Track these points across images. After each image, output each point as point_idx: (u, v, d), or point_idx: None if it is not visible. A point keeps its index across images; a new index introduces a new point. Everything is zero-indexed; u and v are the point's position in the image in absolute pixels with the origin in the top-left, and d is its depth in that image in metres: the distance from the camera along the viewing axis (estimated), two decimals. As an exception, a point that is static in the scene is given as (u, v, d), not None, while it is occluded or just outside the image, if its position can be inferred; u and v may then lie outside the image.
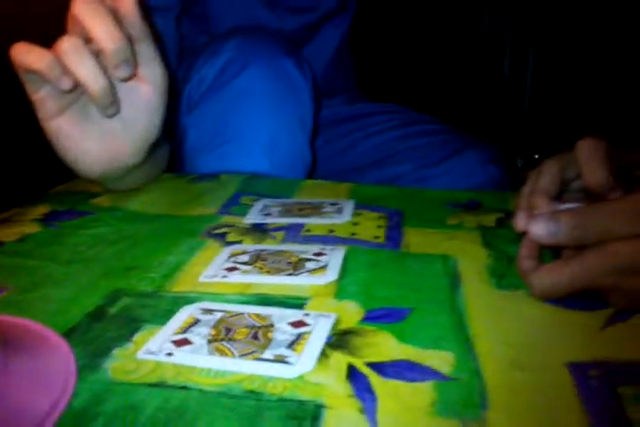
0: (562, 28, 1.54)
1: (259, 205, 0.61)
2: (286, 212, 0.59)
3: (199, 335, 0.37)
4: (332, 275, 0.45)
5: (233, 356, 0.34)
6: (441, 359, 0.34)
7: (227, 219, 0.58)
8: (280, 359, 0.34)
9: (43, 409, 0.30)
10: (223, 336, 0.37)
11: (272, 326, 0.38)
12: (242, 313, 0.39)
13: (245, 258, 0.48)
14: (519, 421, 0.30)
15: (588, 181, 0.43)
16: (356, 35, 1.10)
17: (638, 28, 1.38)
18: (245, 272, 0.45)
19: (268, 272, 0.45)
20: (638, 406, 0.30)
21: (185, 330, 0.37)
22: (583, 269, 0.36)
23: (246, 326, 0.38)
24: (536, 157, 1.33)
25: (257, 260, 0.47)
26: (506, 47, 1.58)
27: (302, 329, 0.37)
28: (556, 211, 0.39)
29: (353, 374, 0.33)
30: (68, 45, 0.46)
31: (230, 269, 0.46)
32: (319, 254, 0.48)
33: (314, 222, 0.56)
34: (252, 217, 0.58)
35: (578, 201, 0.44)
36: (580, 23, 1.51)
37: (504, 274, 0.45)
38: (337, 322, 0.38)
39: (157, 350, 0.35)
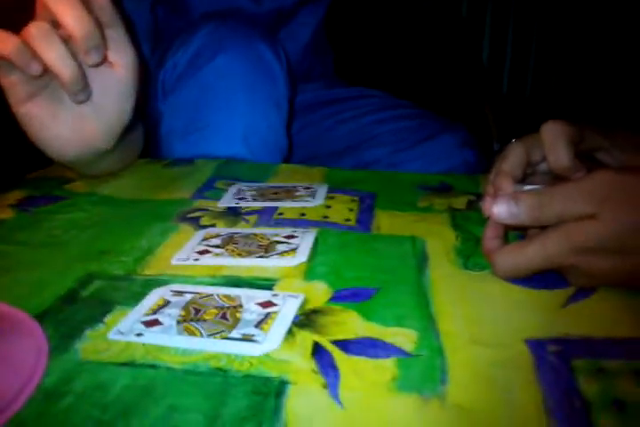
0: (540, 14, 1.54)
1: (233, 189, 0.62)
2: (260, 196, 0.59)
3: (169, 316, 0.38)
4: (301, 257, 0.45)
5: (201, 335, 0.35)
6: (404, 337, 0.35)
7: (201, 203, 0.58)
8: (247, 338, 0.35)
9: (14, 388, 0.31)
10: (192, 317, 0.37)
11: (241, 306, 0.38)
12: (211, 294, 0.40)
13: (217, 241, 0.49)
14: (477, 395, 0.31)
15: (552, 164, 0.44)
16: (332, 20, 1.10)
17: (614, 16, 1.39)
18: (217, 255, 0.46)
19: (239, 255, 0.46)
20: (590, 379, 0.31)
21: (155, 311, 0.38)
22: (543, 249, 0.38)
23: (215, 307, 0.38)
24: (513, 140, 1.33)
25: (229, 243, 0.48)
26: (484, 33, 1.59)
27: (270, 309, 0.38)
28: (518, 192, 0.40)
29: (318, 351, 0.34)
30: (36, 31, 0.46)
31: (202, 253, 0.47)
32: (290, 237, 0.49)
33: (287, 206, 0.57)
34: (226, 201, 0.58)
35: (543, 183, 0.45)
36: (559, 9, 1.52)
37: (471, 255, 0.46)
38: (305, 302, 0.39)
39: (127, 331, 0.36)
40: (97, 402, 0.30)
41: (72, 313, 0.39)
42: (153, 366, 0.33)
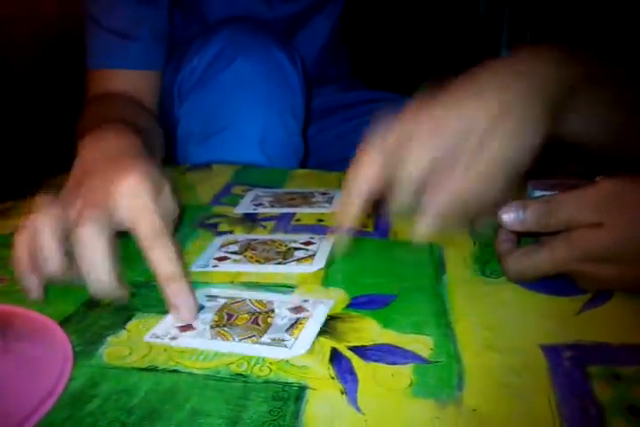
0: (559, 20, 1.54)
1: (250, 195, 0.62)
2: (277, 202, 0.60)
3: (203, 321, 0.39)
4: (319, 263, 0.46)
5: (233, 340, 0.36)
6: (421, 343, 0.36)
7: (218, 209, 0.59)
8: (277, 343, 0.36)
9: (41, 392, 0.32)
10: (225, 322, 0.39)
11: (272, 311, 0.40)
12: (244, 299, 0.41)
13: (236, 248, 0.49)
14: (493, 400, 0.31)
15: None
16: (349, 22, 1.11)
17: (633, 23, 1.39)
18: (235, 261, 0.47)
19: (258, 261, 0.47)
20: (605, 384, 0.32)
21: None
22: (551, 255, 0.39)
23: (247, 312, 0.40)
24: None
25: (247, 249, 0.49)
26: (502, 35, 1.59)
27: (301, 315, 0.39)
28: (527, 200, 0.40)
29: (336, 357, 0.35)
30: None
31: (221, 259, 0.47)
32: (308, 243, 0.50)
33: (304, 212, 0.57)
34: (243, 207, 0.59)
35: (556, 188, 0.45)
36: (578, 14, 1.51)
37: (488, 261, 0.46)
38: (326, 308, 0.40)
39: (163, 335, 0.37)
40: (123, 406, 0.31)
41: (95, 319, 0.40)
42: (175, 371, 0.34)
